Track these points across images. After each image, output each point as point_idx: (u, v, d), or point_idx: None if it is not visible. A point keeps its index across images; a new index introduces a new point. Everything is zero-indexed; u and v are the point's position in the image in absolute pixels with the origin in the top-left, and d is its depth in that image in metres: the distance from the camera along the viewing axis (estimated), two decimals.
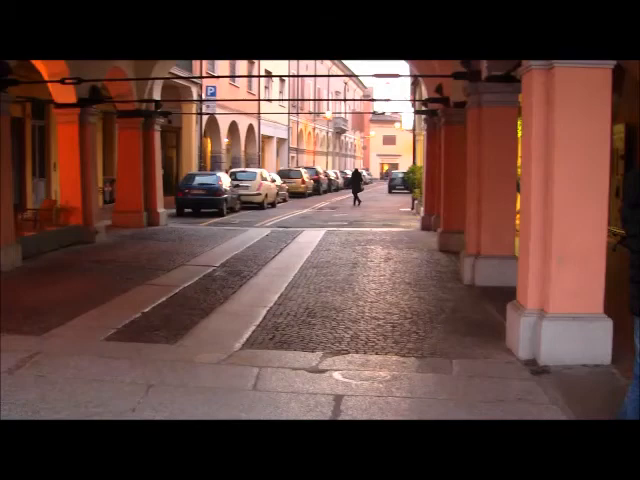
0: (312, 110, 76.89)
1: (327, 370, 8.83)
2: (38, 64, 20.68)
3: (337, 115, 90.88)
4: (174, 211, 33.32)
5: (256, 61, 55.70)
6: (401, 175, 63.88)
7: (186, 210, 34.39)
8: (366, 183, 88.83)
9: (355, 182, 48.92)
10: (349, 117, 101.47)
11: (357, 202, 46.53)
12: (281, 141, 67.87)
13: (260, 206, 39.56)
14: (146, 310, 12.17)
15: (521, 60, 9.85)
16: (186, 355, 9.56)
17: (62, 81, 18.54)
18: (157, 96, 27.63)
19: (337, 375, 8.62)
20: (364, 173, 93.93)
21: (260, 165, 56.07)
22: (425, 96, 26.74)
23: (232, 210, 35.83)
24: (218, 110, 43.91)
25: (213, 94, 41.98)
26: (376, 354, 9.69)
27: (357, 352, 9.76)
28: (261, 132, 58.83)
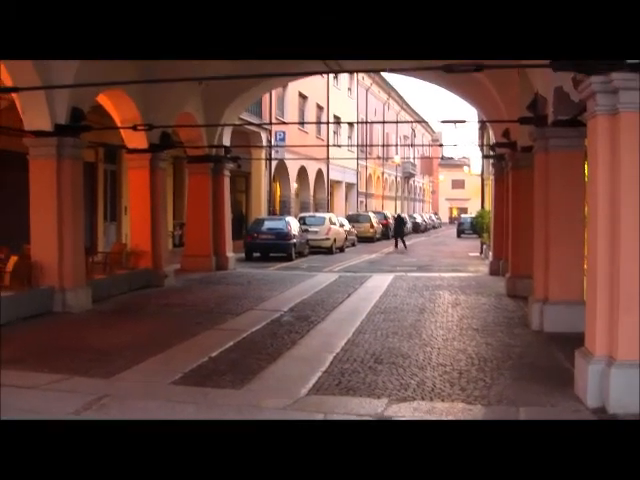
0: (381, 155, 77.06)
1: (393, 417, 8.78)
2: (111, 110, 21.10)
3: (406, 160, 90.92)
4: (243, 255, 33.55)
5: (325, 107, 56.09)
6: (470, 219, 63.50)
7: (255, 254, 34.65)
8: (435, 227, 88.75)
9: (398, 227, 49.32)
10: (417, 161, 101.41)
11: (403, 245, 47.31)
12: (350, 186, 68.02)
13: (329, 251, 39.66)
14: (213, 354, 12.25)
15: (587, 104, 9.82)
16: (252, 400, 9.57)
17: (134, 127, 18.88)
18: (227, 141, 27.99)
19: None
20: (432, 217, 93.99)
21: (329, 210, 56.22)
22: (493, 140, 26.71)
23: (301, 254, 35.99)
24: (287, 155, 44.25)
25: (282, 139, 42.34)
26: (442, 401, 9.61)
27: (423, 399, 9.69)
28: (330, 177, 59.03)
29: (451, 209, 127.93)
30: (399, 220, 50.49)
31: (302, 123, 49.41)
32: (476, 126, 41.09)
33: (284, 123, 43.45)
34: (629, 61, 8.71)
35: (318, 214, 45.18)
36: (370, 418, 8.69)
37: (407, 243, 49.20)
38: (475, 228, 52.03)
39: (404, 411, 9.02)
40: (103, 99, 20.33)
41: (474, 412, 9.09)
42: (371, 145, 71.59)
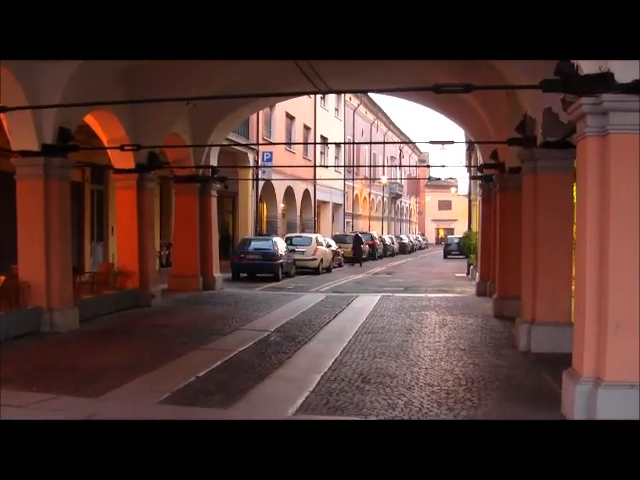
0: (367, 175, 77.19)
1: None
2: (98, 130, 21.09)
3: (393, 181, 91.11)
4: (230, 275, 33.51)
5: (312, 127, 56.20)
6: (457, 240, 63.55)
7: (242, 274, 34.61)
8: (421, 248, 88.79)
9: (355, 246, 49.87)
10: (404, 182, 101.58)
11: (359, 263, 48.88)
12: (337, 206, 68.09)
13: (315, 271, 39.59)
14: (201, 374, 12.22)
15: (576, 125, 9.86)
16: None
17: (121, 148, 18.82)
18: (214, 162, 27.96)
19: None
20: (419, 238, 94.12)
21: (316, 230, 56.24)
22: (480, 161, 26.77)
23: (287, 275, 35.91)
24: (274, 175, 44.26)
25: (269, 160, 42.30)
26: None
27: (410, 419, 9.69)
28: (317, 197, 59.07)
29: (438, 230, 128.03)
30: (356, 239, 50.75)
31: (289, 144, 49.46)
32: (464, 147, 41.24)
33: (271, 144, 43.46)
34: (620, 81, 8.77)
35: (305, 234, 45.18)
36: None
37: (394, 264, 49.22)
38: (462, 249, 52.07)
39: None
40: (90, 119, 20.31)
41: None
42: (358, 166, 71.68)
